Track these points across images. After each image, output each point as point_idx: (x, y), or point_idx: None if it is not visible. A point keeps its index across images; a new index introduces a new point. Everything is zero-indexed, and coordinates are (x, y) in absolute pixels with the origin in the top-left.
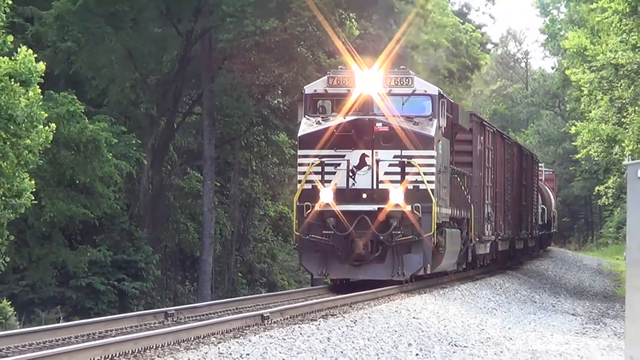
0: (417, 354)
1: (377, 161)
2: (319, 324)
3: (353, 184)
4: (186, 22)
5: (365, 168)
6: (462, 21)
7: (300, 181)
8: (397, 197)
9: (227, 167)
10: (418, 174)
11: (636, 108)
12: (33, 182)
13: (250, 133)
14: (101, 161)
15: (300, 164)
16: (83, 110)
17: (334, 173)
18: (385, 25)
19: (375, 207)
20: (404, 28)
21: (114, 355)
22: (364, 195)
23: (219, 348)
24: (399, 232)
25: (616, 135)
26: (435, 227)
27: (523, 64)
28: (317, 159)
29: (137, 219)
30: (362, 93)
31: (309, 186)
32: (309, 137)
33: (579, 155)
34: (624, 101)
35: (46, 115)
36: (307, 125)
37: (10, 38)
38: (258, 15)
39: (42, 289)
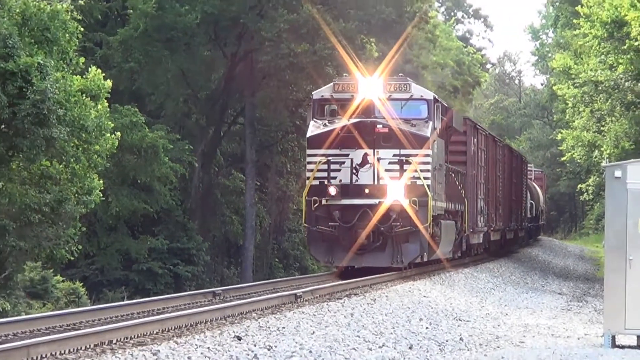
0: (427, 327)
1: (378, 159)
2: (344, 302)
3: (356, 180)
4: (231, 46)
5: (367, 166)
6: (464, 45)
7: (309, 178)
8: (396, 191)
9: (266, 168)
10: (415, 170)
11: (613, 118)
12: (101, 181)
13: (285, 140)
14: (159, 164)
15: (309, 162)
16: (143, 121)
17: (339, 170)
18: (400, 46)
19: (376, 201)
20: (402, 40)
21: (170, 328)
22: (366, 191)
23: (259, 322)
24: (398, 223)
25: (596, 141)
26: (431, 219)
27: (517, 81)
28: (324, 157)
29: (189, 213)
30: (364, 98)
31: (316, 182)
32: (317, 138)
33: (564, 158)
34: (602, 112)
35: (112, 125)
36: (314, 127)
37: (82, 59)
38: (292, 40)
39: (109, 272)
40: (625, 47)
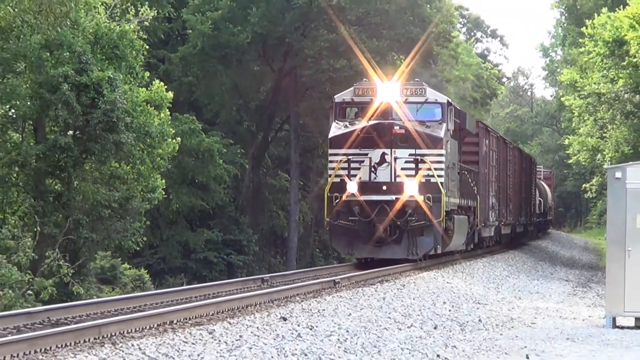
0: (449, 310)
1: (395, 158)
2: (377, 287)
3: (375, 178)
4: (278, 62)
5: (385, 164)
6: (483, 61)
7: (330, 175)
8: (411, 188)
9: (308, 170)
10: (429, 169)
11: (614, 126)
12: (164, 181)
13: (325, 144)
14: (214, 165)
15: (331, 161)
16: (201, 128)
17: (358, 168)
18: (426, 64)
19: (393, 197)
20: (417, 49)
21: (224, 310)
22: (384, 187)
23: (302, 305)
24: (413, 218)
25: (599, 146)
26: (444, 214)
27: (529, 93)
28: (345, 156)
29: (240, 209)
30: (382, 101)
31: (337, 180)
32: (338, 139)
33: (571, 161)
34: (604, 121)
35: (173, 131)
36: (336, 129)
37: (147, 74)
38: (331, 57)
39: (170, 261)
40: (624, 63)
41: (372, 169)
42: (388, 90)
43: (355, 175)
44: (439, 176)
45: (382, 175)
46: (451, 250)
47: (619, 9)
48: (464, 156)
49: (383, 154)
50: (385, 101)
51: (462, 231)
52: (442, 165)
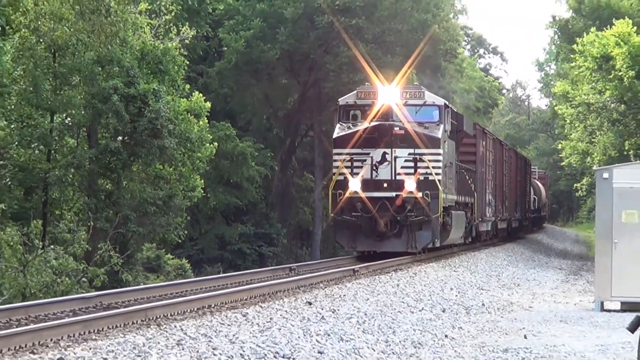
0: (456, 295)
1: (395, 157)
2: (391, 275)
3: (376, 176)
4: (303, 76)
5: (386, 163)
6: (485, 74)
7: (334, 173)
8: (410, 185)
9: (330, 171)
10: (427, 167)
11: (601, 132)
12: (202, 181)
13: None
14: (247, 167)
15: (335, 160)
16: (235, 134)
17: (361, 167)
18: (436, 76)
19: (393, 193)
20: (415, 55)
21: (256, 295)
22: (385, 185)
23: (325, 291)
24: (412, 213)
25: (588, 150)
26: (442, 209)
27: (526, 103)
28: (348, 156)
29: (270, 205)
30: (383, 104)
31: (341, 177)
32: (342, 139)
33: (563, 163)
34: (593, 127)
35: (211, 137)
36: (340, 130)
37: (187, 86)
38: (351, 71)
39: (208, 251)
40: (611, 76)
41: (374, 168)
42: (389, 94)
43: (357, 174)
44: (436, 174)
45: (383, 173)
46: (450, 244)
47: (606, 29)
48: (462, 156)
49: (384, 153)
50: (386, 104)
51: (459, 226)
52: (440, 164)
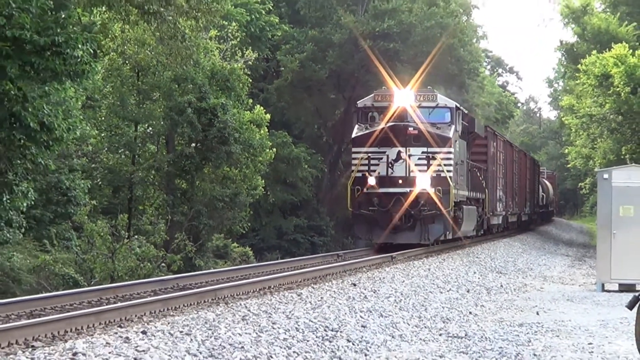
0: (478, 278)
1: (409, 156)
2: (424, 261)
3: (391, 173)
4: (348, 91)
5: (401, 161)
6: (503, 90)
7: (353, 170)
8: (423, 182)
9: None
10: (439, 165)
11: (602, 139)
12: (263, 181)
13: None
14: (301, 169)
15: (354, 158)
16: (290, 141)
17: (377, 165)
18: (460, 92)
19: (407, 189)
20: (431, 57)
21: (309, 278)
22: (400, 181)
23: (367, 274)
24: (425, 208)
25: (591, 155)
26: (453, 204)
27: (538, 115)
28: (366, 154)
29: (321, 202)
30: (399, 106)
31: (359, 174)
32: (360, 139)
33: (569, 165)
34: (595, 136)
35: (270, 143)
36: (358, 130)
37: (250, 101)
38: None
39: (268, 241)
40: (610, 92)
41: (389, 165)
42: (404, 96)
43: (374, 171)
44: (448, 171)
45: (398, 170)
46: (462, 236)
47: (606, 51)
48: (474, 156)
49: (399, 152)
50: (401, 106)
51: (471, 219)
52: (451, 162)
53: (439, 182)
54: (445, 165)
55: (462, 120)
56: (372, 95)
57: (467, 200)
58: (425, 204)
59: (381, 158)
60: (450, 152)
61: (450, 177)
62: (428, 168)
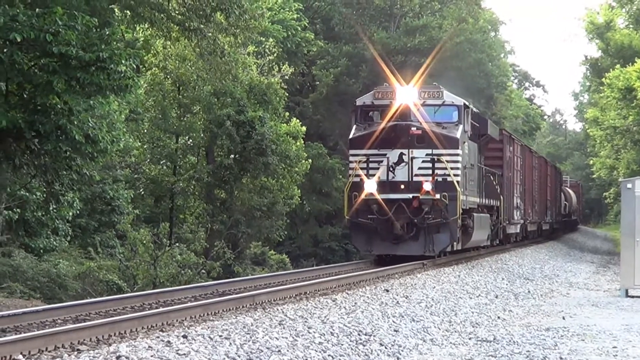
0: (507, 284)
1: (412, 158)
2: (454, 268)
3: (392, 177)
4: None
5: (403, 164)
6: (530, 103)
7: (350, 175)
8: (428, 187)
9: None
10: (445, 168)
11: (625, 150)
12: (299, 191)
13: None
14: (335, 180)
15: (351, 161)
16: (326, 152)
17: (377, 168)
18: (489, 105)
19: (410, 195)
20: (435, 52)
21: (343, 284)
22: (402, 186)
23: (399, 280)
24: (430, 215)
25: (614, 165)
26: (461, 212)
27: (564, 126)
28: (364, 156)
29: None
30: (401, 104)
31: (357, 179)
32: (358, 139)
33: (594, 176)
34: (618, 147)
35: (306, 155)
36: (357, 130)
37: (287, 113)
38: None
39: (304, 248)
40: (633, 104)
41: (390, 169)
42: (406, 93)
43: (374, 175)
44: (455, 175)
45: (400, 174)
46: (473, 246)
47: (629, 65)
48: (488, 160)
49: (401, 154)
50: (404, 103)
51: (483, 228)
52: (458, 165)
53: (445, 187)
54: (452, 168)
55: (471, 120)
56: (372, 92)
57: (478, 208)
58: (430, 211)
59: (381, 161)
60: (457, 154)
61: (457, 181)
62: (433, 172)
